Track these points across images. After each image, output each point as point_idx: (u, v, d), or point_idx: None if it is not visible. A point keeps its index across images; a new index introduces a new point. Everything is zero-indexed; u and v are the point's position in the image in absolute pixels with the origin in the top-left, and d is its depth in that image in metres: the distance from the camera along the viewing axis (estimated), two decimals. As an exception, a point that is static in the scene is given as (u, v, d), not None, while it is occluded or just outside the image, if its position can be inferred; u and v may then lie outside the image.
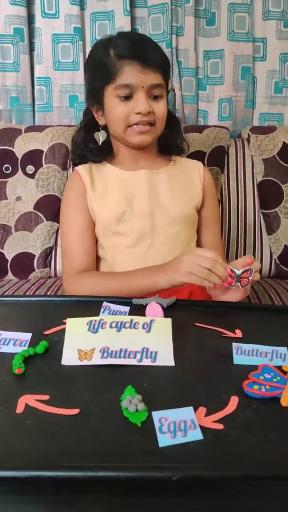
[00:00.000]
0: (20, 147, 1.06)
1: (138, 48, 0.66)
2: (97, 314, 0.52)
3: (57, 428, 0.33)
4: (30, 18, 1.14)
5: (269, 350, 0.44)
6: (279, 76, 1.20)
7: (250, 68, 1.18)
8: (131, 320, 0.46)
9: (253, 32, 1.16)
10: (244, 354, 0.44)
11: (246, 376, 0.40)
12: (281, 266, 1.09)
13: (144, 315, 0.52)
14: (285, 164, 1.09)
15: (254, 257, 1.10)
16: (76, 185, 0.75)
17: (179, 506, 0.29)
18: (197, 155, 1.05)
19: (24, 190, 1.05)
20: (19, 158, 1.06)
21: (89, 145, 0.75)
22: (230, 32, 1.15)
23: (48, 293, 0.92)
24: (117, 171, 0.75)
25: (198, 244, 0.81)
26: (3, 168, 1.06)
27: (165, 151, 0.79)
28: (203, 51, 1.18)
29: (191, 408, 0.34)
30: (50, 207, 1.05)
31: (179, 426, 0.32)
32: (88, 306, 0.57)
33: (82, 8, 1.14)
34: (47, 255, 1.05)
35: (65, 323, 0.47)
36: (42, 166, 1.05)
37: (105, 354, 0.43)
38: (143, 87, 0.66)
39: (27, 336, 0.47)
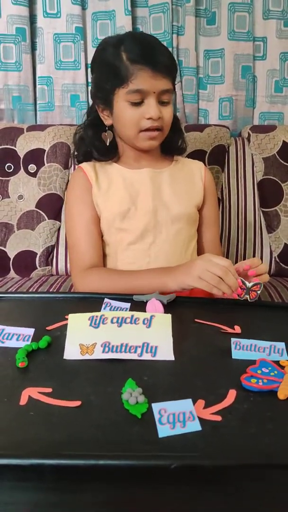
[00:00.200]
0: (22, 146, 1.07)
1: (151, 54, 0.66)
2: (99, 310, 0.53)
3: (59, 419, 0.34)
4: (32, 18, 1.15)
5: (267, 345, 0.45)
6: (279, 75, 1.20)
7: (251, 67, 1.19)
8: (132, 316, 0.47)
9: (253, 31, 1.17)
10: (243, 349, 0.45)
11: (244, 371, 0.41)
12: (281, 264, 1.10)
13: (144, 311, 0.52)
14: (285, 163, 1.10)
15: (254, 255, 1.11)
16: (81, 181, 0.75)
17: (177, 493, 0.30)
18: (198, 154, 1.06)
19: (26, 189, 1.06)
20: (21, 157, 1.07)
21: (96, 145, 0.75)
22: (231, 32, 1.16)
23: (50, 291, 0.93)
24: (122, 169, 0.76)
25: (198, 242, 0.82)
26: (5, 167, 1.07)
27: (167, 151, 0.80)
28: (203, 51, 1.19)
29: (190, 400, 0.35)
30: (52, 205, 1.06)
31: (178, 417, 0.33)
32: (89, 302, 0.58)
33: (84, 8, 1.15)
34: (49, 253, 1.06)
35: (67, 319, 0.48)
36: (44, 165, 1.06)
37: (107, 349, 0.44)
38: (154, 92, 0.67)
39: (30, 331, 0.48)
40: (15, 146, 1.07)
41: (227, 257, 1.10)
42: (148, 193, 0.74)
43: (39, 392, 0.38)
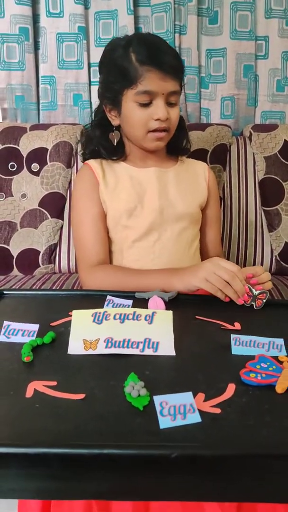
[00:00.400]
0: (25, 145, 1.08)
1: (160, 55, 0.67)
2: (102, 307, 0.54)
3: (64, 411, 0.36)
4: (35, 18, 1.16)
5: (266, 341, 0.46)
6: (281, 74, 1.21)
7: (253, 66, 1.19)
8: (134, 312, 0.48)
9: (255, 31, 1.17)
10: (242, 345, 0.46)
11: (244, 366, 0.42)
12: (282, 263, 1.10)
13: (146, 308, 0.53)
14: (286, 162, 1.10)
15: (255, 253, 1.11)
16: (88, 178, 0.76)
17: (177, 481, 0.31)
18: (200, 153, 1.06)
19: (29, 188, 1.07)
20: (24, 156, 1.08)
21: (104, 144, 0.76)
22: (233, 31, 1.16)
23: (53, 288, 0.94)
24: (129, 168, 0.77)
25: (200, 241, 0.83)
26: (9, 166, 1.08)
27: (172, 152, 0.81)
28: (205, 50, 1.20)
29: (190, 393, 0.36)
30: (54, 204, 1.07)
31: (179, 409, 0.34)
32: (93, 299, 0.59)
33: (86, 7, 1.16)
34: (52, 251, 1.08)
35: (71, 315, 0.49)
36: (47, 164, 1.07)
37: (109, 344, 0.45)
38: (162, 93, 0.68)
39: (35, 327, 0.49)
40: (18, 145, 1.08)
41: (228, 255, 1.11)
42: (154, 192, 0.75)
43: (44, 386, 0.39)
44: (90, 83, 1.20)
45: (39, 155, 1.07)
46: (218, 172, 1.10)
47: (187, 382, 0.39)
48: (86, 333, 0.46)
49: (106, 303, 0.56)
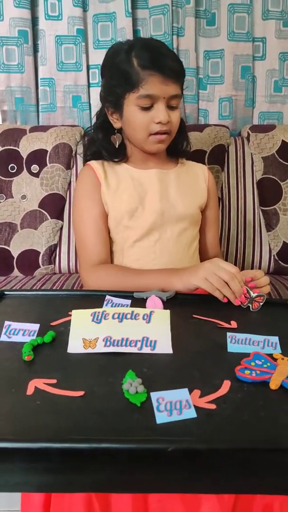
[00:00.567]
0: (25, 147, 1.09)
1: (161, 60, 0.68)
2: (101, 307, 0.55)
3: (64, 407, 0.37)
4: (34, 20, 1.17)
5: (261, 339, 0.47)
6: (278, 75, 1.22)
7: (250, 67, 1.20)
8: (132, 312, 0.49)
9: (252, 32, 1.18)
10: (238, 342, 0.47)
11: (239, 363, 0.43)
12: (280, 262, 1.11)
13: (145, 307, 0.55)
14: (284, 162, 1.11)
15: (254, 253, 1.13)
16: (90, 178, 0.77)
17: (174, 474, 0.32)
18: (198, 154, 1.07)
19: (29, 189, 1.09)
20: (24, 157, 1.09)
21: (106, 146, 0.78)
22: (230, 32, 1.17)
23: (53, 289, 0.96)
24: (130, 169, 0.78)
25: (199, 242, 0.84)
26: (9, 168, 1.09)
27: (172, 154, 0.82)
28: (203, 51, 1.21)
29: (186, 390, 0.37)
30: (54, 205, 1.08)
31: (175, 405, 0.35)
32: (92, 299, 0.60)
33: (85, 10, 1.17)
34: (52, 252, 1.09)
35: (70, 315, 0.50)
36: (47, 165, 1.08)
37: (108, 343, 0.46)
38: (164, 97, 0.69)
39: (35, 326, 0.50)
40: (18, 147, 1.09)
41: (226, 255, 1.12)
42: (156, 193, 0.76)
43: (45, 383, 0.40)
44: (89, 85, 1.21)
45: (38, 157, 1.08)
46: (216, 172, 1.11)
47: (183, 379, 0.40)
48: (86, 332, 0.47)
49: (105, 303, 0.57)
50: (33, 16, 1.16)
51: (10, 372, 0.42)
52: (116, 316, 0.49)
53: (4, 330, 0.50)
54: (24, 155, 1.09)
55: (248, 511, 0.44)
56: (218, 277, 0.57)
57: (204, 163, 1.08)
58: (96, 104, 1.20)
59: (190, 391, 0.38)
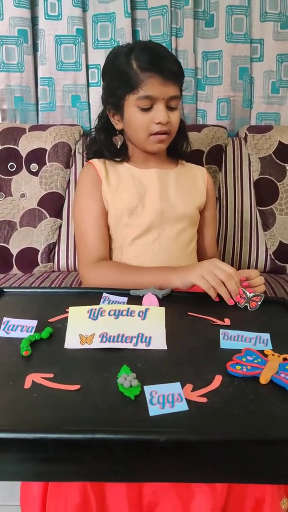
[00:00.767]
0: (24, 146, 1.10)
1: (160, 61, 0.70)
2: (98, 304, 0.56)
3: (60, 400, 0.38)
4: (34, 20, 1.17)
5: (253, 336, 0.49)
6: (276, 76, 1.23)
7: (248, 68, 1.21)
8: (128, 309, 0.50)
9: (250, 34, 1.19)
10: (230, 339, 0.48)
11: (231, 359, 0.44)
12: (276, 261, 1.13)
13: (141, 305, 0.56)
14: (280, 163, 1.13)
15: (250, 252, 1.14)
16: (91, 176, 0.78)
17: (166, 463, 0.33)
18: (196, 154, 1.08)
19: (28, 188, 1.09)
20: (23, 156, 1.10)
21: (108, 147, 0.79)
22: (228, 34, 1.18)
23: (51, 286, 0.97)
24: (131, 168, 0.79)
25: (197, 242, 0.85)
26: (8, 166, 1.10)
27: (172, 154, 0.84)
28: (202, 52, 1.21)
29: (178, 384, 0.38)
30: (53, 203, 1.09)
31: (167, 398, 0.36)
32: (89, 296, 0.62)
33: (84, 10, 1.17)
34: (51, 250, 1.10)
35: (67, 312, 0.52)
36: (46, 164, 1.09)
37: (104, 339, 0.47)
38: (163, 98, 0.70)
39: (33, 323, 0.51)
40: (18, 146, 1.10)
41: (223, 254, 1.14)
42: (155, 192, 0.77)
43: (42, 377, 0.41)
44: (88, 85, 1.22)
45: (38, 156, 1.09)
46: (213, 172, 1.12)
47: (176, 374, 0.42)
48: (82, 329, 0.49)
49: (102, 300, 0.58)
50: (33, 15, 1.17)
51: (8, 367, 0.44)
52: (112, 312, 0.50)
53: (2, 326, 0.51)
54: (24, 153, 1.10)
55: (241, 502, 0.45)
56: (214, 276, 0.59)
57: (202, 163, 1.10)
58: (95, 103, 1.21)
59: (183, 386, 0.39)
